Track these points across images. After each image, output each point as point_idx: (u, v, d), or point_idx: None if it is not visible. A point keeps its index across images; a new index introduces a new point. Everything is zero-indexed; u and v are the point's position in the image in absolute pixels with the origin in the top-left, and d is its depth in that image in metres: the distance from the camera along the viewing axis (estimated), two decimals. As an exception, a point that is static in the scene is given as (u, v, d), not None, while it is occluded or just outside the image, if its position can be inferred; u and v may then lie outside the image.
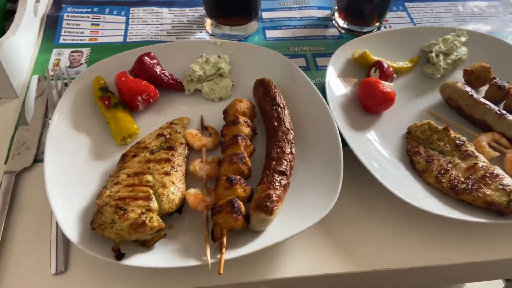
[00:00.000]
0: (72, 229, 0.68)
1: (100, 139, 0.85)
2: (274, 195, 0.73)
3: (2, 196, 0.76)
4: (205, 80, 0.97)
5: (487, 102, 0.92)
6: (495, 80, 0.97)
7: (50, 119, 0.84)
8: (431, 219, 0.77)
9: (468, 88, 0.94)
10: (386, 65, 0.97)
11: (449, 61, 1.03)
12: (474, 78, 0.99)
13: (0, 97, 0.93)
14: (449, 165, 0.82)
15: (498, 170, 0.80)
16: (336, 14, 1.18)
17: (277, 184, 0.75)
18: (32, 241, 0.73)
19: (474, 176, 0.79)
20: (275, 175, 0.76)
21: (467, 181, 0.79)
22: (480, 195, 0.76)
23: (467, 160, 0.82)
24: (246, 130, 0.85)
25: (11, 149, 0.84)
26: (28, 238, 0.74)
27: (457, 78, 1.03)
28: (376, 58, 1.00)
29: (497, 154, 0.86)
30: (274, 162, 0.79)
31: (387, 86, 0.92)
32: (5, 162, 0.82)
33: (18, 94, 0.94)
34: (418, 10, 1.27)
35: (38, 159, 0.84)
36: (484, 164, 0.81)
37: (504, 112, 0.90)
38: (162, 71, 0.94)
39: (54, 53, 1.04)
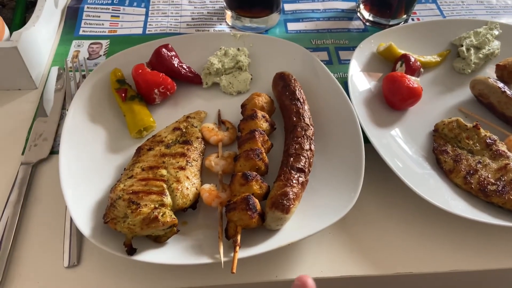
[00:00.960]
0: (85, 223, 0.67)
1: (116, 131, 0.84)
2: (291, 192, 0.70)
3: (18, 187, 0.76)
4: (223, 73, 0.95)
5: (521, 99, 0.86)
6: (530, 76, 0.91)
7: (67, 110, 0.84)
8: (458, 221, 0.73)
9: (500, 84, 0.88)
10: (413, 59, 0.93)
11: (480, 55, 0.97)
12: (507, 73, 0.93)
13: (19, 88, 0.94)
14: (479, 165, 0.77)
15: (532, 172, 0.75)
16: (361, 6, 1.14)
17: (294, 181, 0.72)
18: (46, 233, 0.73)
19: (506, 177, 0.74)
20: (292, 172, 0.74)
21: (498, 182, 0.74)
22: (511, 197, 0.71)
23: (498, 160, 0.78)
24: (264, 125, 0.82)
25: (28, 140, 0.84)
26: (42, 230, 0.73)
27: (489, 73, 0.98)
28: (402, 51, 0.96)
29: (531, 154, 0.80)
30: (292, 159, 0.76)
31: (413, 81, 0.88)
32: (22, 153, 0.82)
33: (37, 86, 0.94)
34: (448, 2, 1.21)
35: (54, 150, 0.83)
36: (517, 165, 0.76)
37: (540, 110, 0.85)
38: (180, 64, 0.93)
39: (73, 45, 1.04)
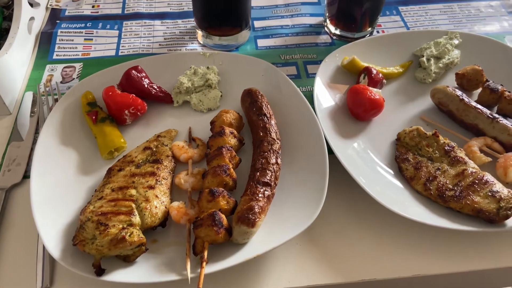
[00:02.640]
0: (55, 246, 0.69)
1: (88, 154, 0.86)
2: (256, 206, 0.72)
3: (-8, 213, 0.78)
4: (194, 92, 0.98)
5: (478, 106, 0.90)
6: (487, 83, 0.95)
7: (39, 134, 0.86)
8: (419, 227, 0.76)
9: (458, 92, 0.92)
10: (375, 71, 0.96)
11: (440, 65, 1.01)
12: (466, 81, 0.97)
13: (-8, 114, 0.96)
14: (438, 172, 0.81)
15: (487, 177, 0.78)
16: (328, 21, 1.17)
17: (260, 195, 0.75)
18: (19, 256, 0.75)
19: (463, 183, 0.78)
20: (258, 186, 0.76)
21: (455, 188, 0.77)
22: (468, 202, 0.75)
23: (456, 167, 0.81)
24: (232, 141, 0.85)
25: (1, 165, 0.86)
26: (16, 253, 0.75)
27: (450, 82, 1.02)
28: (365, 64, 0.99)
29: (489, 159, 0.84)
30: (258, 173, 0.78)
31: (375, 92, 0.91)
32: (-4, 179, 0.84)
33: (11, 111, 0.96)
34: (412, 13, 1.26)
35: (27, 175, 0.85)
36: (474, 170, 0.79)
37: (496, 115, 0.88)
38: (150, 84, 0.95)
39: (47, 69, 1.06)
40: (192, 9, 1.15)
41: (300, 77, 1.08)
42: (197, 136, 0.92)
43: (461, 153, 0.83)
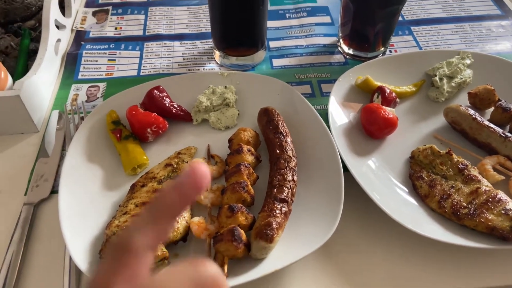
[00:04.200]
0: (82, 258, 0.72)
1: (112, 170, 0.90)
2: (274, 222, 0.75)
3: (21, 227, 0.81)
4: (212, 110, 1.01)
5: (491, 125, 0.92)
6: (500, 102, 0.96)
7: (67, 151, 0.90)
8: (434, 245, 0.77)
9: (471, 111, 0.94)
10: (388, 91, 0.99)
11: (453, 84, 1.04)
12: (479, 100, 0.99)
13: (22, 132, 1.00)
14: (452, 190, 0.82)
15: (501, 195, 0.79)
16: (341, 41, 1.21)
17: (277, 211, 0.77)
18: (47, 269, 0.78)
19: (477, 200, 0.79)
20: (276, 202, 0.79)
21: (469, 206, 0.79)
22: (482, 220, 0.76)
23: (469, 185, 0.82)
24: (250, 158, 0.88)
25: (30, 181, 0.90)
26: (44, 266, 0.78)
27: (463, 101, 1.04)
28: (379, 83, 1.02)
29: (502, 177, 0.85)
30: (275, 190, 0.81)
31: (388, 111, 0.94)
32: (25, 194, 0.88)
33: (38, 129, 1.01)
34: (424, 33, 1.29)
35: (55, 190, 0.89)
36: (487, 189, 0.81)
37: (509, 134, 0.90)
38: (171, 103, 0.99)
39: (73, 88, 1.11)
40: (210, 31, 1.20)
41: (315, 95, 1.11)
42: (216, 153, 0.95)
43: (474, 172, 0.85)
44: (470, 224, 0.77)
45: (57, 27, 1.19)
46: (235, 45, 1.15)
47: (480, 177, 0.84)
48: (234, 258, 0.73)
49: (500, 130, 0.91)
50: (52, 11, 1.12)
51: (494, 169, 0.87)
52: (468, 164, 0.86)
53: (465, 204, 0.79)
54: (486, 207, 0.78)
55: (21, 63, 1.10)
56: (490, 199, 0.78)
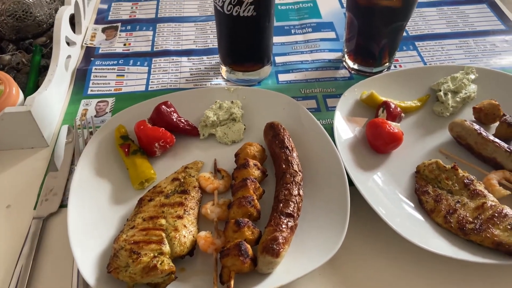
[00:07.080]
0: (90, 273, 0.73)
1: (120, 184, 0.91)
2: (280, 237, 0.75)
3: (30, 240, 0.83)
4: (219, 125, 1.03)
5: (496, 140, 0.92)
6: (504, 117, 0.97)
7: (76, 166, 0.92)
8: (440, 259, 0.77)
9: (476, 126, 0.95)
10: (393, 106, 1.00)
11: (457, 99, 1.04)
12: (484, 115, 1.00)
13: (32, 147, 1.02)
14: (457, 205, 0.82)
15: (507, 210, 0.79)
16: (346, 56, 1.22)
17: (284, 226, 0.78)
18: (55, 283, 0.79)
19: (483, 216, 0.79)
20: (282, 217, 0.79)
21: (475, 221, 0.79)
22: (488, 235, 0.76)
23: (475, 200, 0.82)
24: (256, 172, 0.89)
25: (40, 195, 0.91)
26: (52, 280, 0.79)
27: (467, 115, 1.04)
28: (384, 98, 1.03)
29: (508, 192, 0.85)
30: (281, 204, 0.81)
31: (394, 126, 0.95)
32: (34, 208, 0.90)
33: (48, 143, 1.03)
34: (428, 48, 1.30)
35: (64, 204, 0.90)
36: (493, 204, 0.81)
37: (514, 149, 0.90)
38: (179, 118, 1.01)
39: (82, 104, 1.13)
40: (216, 46, 1.22)
41: (320, 110, 1.12)
42: (222, 167, 0.96)
43: (480, 186, 0.85)
44: (476, 239, 0.77)
45: (68, 43, 1.21)
46: (242, 60, 1.17)
47: (486, 192, 0.84)
48: (240, 273, 0.73)
49: (505, 145, 0.91)
50: (63, 28, 1.14)
51: (500, 184, 0.87)
52: (473, 179, 0.86)
53: (471, 219, 0.79)
54: (492, 222, 0.78)
55: (32, 79, 1.12)
56: (496, 214, 0.78)
